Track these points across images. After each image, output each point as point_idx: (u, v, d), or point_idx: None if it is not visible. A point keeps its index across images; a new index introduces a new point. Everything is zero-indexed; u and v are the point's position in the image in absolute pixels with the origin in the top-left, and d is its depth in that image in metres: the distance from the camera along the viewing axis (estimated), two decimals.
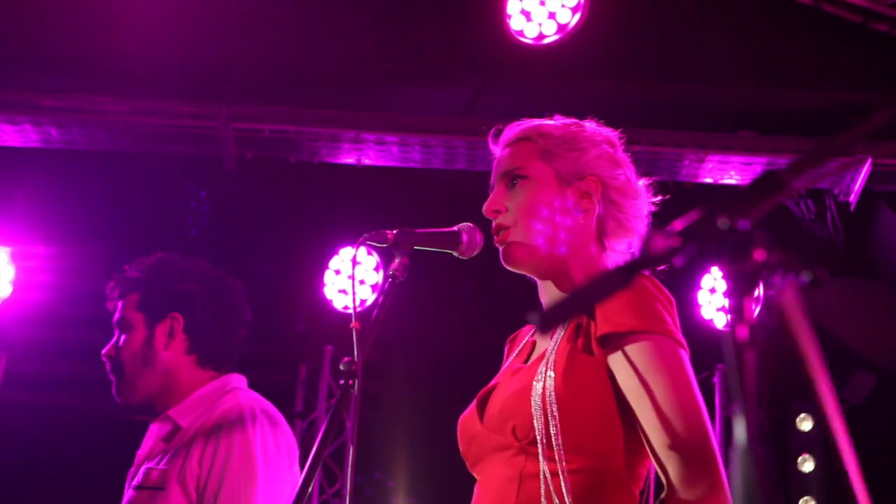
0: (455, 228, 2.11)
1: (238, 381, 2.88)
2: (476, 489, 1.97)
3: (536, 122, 2.12)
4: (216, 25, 5.27)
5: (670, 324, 1.84)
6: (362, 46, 5.42)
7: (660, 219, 2.08)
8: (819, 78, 5.47)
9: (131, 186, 5.98)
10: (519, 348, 2.13)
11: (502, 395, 1.93)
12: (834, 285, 5.73)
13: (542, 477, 1.81)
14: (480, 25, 5.20)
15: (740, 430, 1.03)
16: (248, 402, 2.72)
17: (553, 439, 1.80)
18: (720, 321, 6.25)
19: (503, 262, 2.06)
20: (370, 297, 6.08)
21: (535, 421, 1.81)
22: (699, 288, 6.35)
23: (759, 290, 1.07)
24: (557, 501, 1.79)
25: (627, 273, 1.16)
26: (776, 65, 5.51)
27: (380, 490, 6.90)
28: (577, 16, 5.11)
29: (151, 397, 2.79)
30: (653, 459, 1.80)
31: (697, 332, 5.96)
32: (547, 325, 1.19)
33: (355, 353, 1.90)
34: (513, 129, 2.13)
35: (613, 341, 1.83)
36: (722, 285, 6.27)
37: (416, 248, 2.07)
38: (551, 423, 1.80)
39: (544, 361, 1.88)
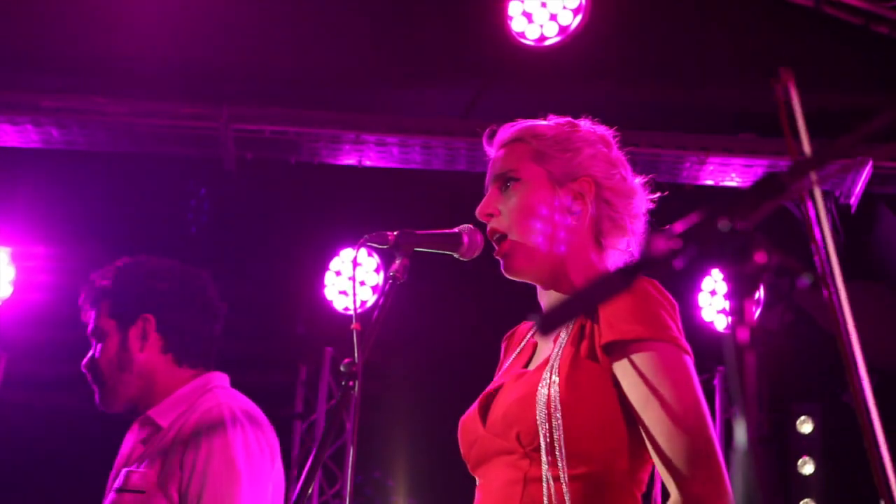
0: (456, 230, 2.11)
1: (220, 379, 2.85)
2: (478, 492, 1.97)
3: (530, 122, 2.12)
4: (217, 26, 5.27)
5: (674, 330, 1.84)
6: (363, 48, 5.43)
7: (661, 221, 2.08)
8: (820, 80, 5.47)
9: (131, 187, 5.98)
10: (519, 348, 2.12)
11: (506, 400, 1.93)
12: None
13: (545, 482, 1.81)
14: (481, 27, 5.21)
15: (741, 433, 1.03)
16: (227, 401, 2.70)
17: (557, 445, 1.80)
18: (721, 323, 6.25)
19: (504, 273, 2.05)
20: (371, 299, 6.08)
21: (539, 428, 1.81)
22: (700, 290, 6.35)
23: (760, 293, 1.08)
24: None
25: (627, 275, 1.16)
26: (777, 67, 5.51)
27: (379, 490, 6.90)
28: (579, 18, 5.11)
29: (133, 401, 2.78)
30: (658, 467, 1.81)
31: (698, 335, 5.96)
32: (548, 327, 1.19)
33: (356, 355, 1.90)
34: (507, 131, 2.13)
35: (618, 349, 1.83)
36: (723, 287, 6.27)
37: (416, 249, 2.07)
38: (556, 429, 1.80)
39: (548, 367, 1.88)
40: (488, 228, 2.07)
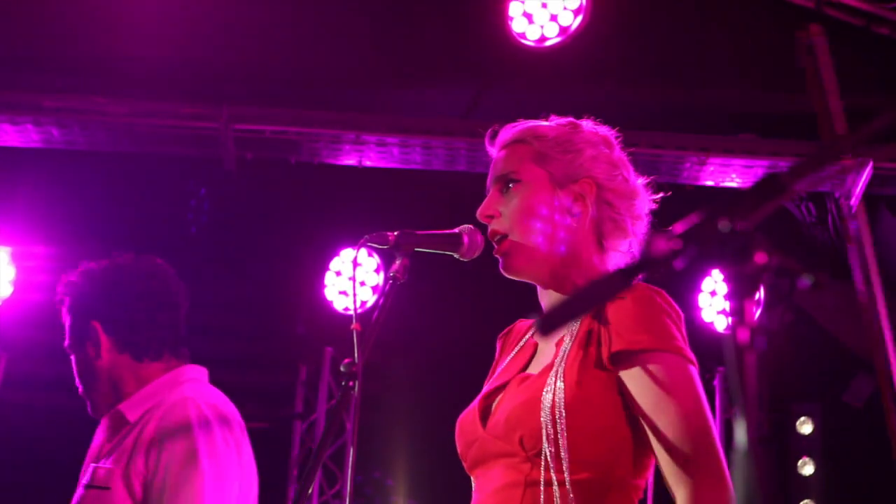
0: (456, 230, 2.10)
1: (193, 372, 2.83)
2: (475, 493, 1.97)
3: (532, 123, 2.11)
4: (217, 26, 5.27)
5: (680, 340, 1.86)
6: (363, 48, 5.43)
7: (661, 221, 2.08)
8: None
9: (132, 187, 5.98)
10: (518, 347, 2.12)
11: (510, 404, 1.93)
12: (834, 288, 5.73)
13: (547, 486, 1.82)
14: (482, 27, 5.21)
15: (741, 433, 1.03)
16: (195, 395, 2.67)
17: (561, 451, 1.81)
18: (721, 324, 6.25)
19: (503, 272, 2.05)
20: (371, 299, 6.08)
21: (543, 432, 1.82)
22: (700, 291, 6.36)
23: (760, 293, 1.08)
24: None
25: (627, 275, 1.16)
26: (778, 68, 5.51)
27: (379, 490, 6.90)
28: (579, 18, 5.11)
29: (111, 405, 2.78)
30: (664, 476, 1.83)
31: (698, 335, 5.96)
32: (548, 327, 1.19)
33: (356, 355, 1.90)
34: (508, 131, 2.12)
35: (626, 358, 1.84)
36: (723, 288, 6.28)
37: (416, 249, 2.07)
38: (560, 435, 1.81)
39: (553, 372, 1.88)
40: (489, 230, 2.06)
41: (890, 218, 5.74)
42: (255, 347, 6.81)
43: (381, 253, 5.96)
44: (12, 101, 5.29)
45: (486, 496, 1.91)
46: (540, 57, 5.20)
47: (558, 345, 1.94)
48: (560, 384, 1.85)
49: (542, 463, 1.82)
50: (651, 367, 1.82)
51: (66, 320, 2.85)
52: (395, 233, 2.05)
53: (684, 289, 6.23)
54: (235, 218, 6.25)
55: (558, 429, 1.81)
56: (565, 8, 5.14)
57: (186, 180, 6.07)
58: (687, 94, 5.56)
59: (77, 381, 2.83)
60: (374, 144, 5.49)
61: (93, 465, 2.67)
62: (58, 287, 2.88)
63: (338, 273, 6.25)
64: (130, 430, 2.65)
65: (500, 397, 2.00)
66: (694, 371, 1.86)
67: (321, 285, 6.24)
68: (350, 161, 5.62)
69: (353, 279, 2.06)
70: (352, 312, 1.96)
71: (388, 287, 2.01)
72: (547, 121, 2.13)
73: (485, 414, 1.98)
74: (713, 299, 6.34)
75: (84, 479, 2.67)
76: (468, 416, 2.02)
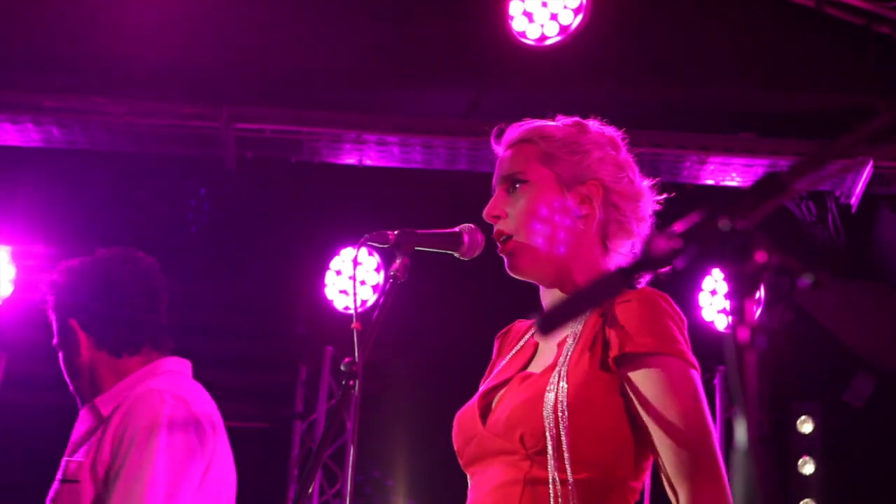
0: (456, 229, 2.10)
1: (172, 364, 2.81)
2: (471, 491, 1.97)
3: (539, 123, 2.10)
4: (217, 26, 5.28)
5: (682, 344, 1.87)
6: (364, 47, 5.43)
7: (661, 220, 2.08)
8: (820, 80, 5.47)
9: (132, 187, 5.98)
10: (518, 346, 2.12)
11: (511, 402, 1.93)
12: (835, 288, 5.73)
13: (547, 484, 1.82)
14: (482, 27, 5.21)
15: (741, 432, 1.03)
16: (160, 387, 2.65)
17: (562, 450, 1.81)
18: (721, 323, 6.25)
19: (509, 271, 2.05)
20: (371, 298, 6.08)
21: (546, 431, 1.82)
22: (700, 290, 6.36)
23: (760, 292, 1.08)
24: None
25: (628, 275, 1.16)
26: (778, 67, 5.51)
27: (379, 489, 6.90)
28: (579, 17, 5.11)
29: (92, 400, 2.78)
30: (664, 479, 1.84)
31: (698, 334, 5.94)
32: (548, 327, 1.19)
33: (356, 354, 1.90)
34: (515, 130, 2.11)
35: (629, 361, 1.85)
36: (723, 287, 6.28)
37: (417, 248, 2.07)
38: (562, 434, 1.81)
39: (556, 371, 1.88)
40: (495, 230, 2.06)
41: (891, 218, 5.75)
42: (255, 347, 6.81)
43: (381, 252, 5.96)
44: (12, 100, 5.30)
45: (484, 494, 1.91)
46: (540, 56, 5.20)
47: (560, 345, 1.95)
48: (563, 384, 1.85)
49: (543, 461, 1.83)
50: (653, 369, 1.83)
51: (51, 318, 2.85)
52: (396, 232, 2.05)
53: (685, 288, 6.23)
54: (235, 217, 6.25)
55: (560, 428, 1.82)
56: (565, 7, 5.15)
57: (187, 180, 6.07)
58: (687, 92, 5.56)
59: (66, 377, 2.84)
60: (375, 144, 5.49)
61: (66, 459, 2.67)
62: (42, 286, 2.88)
63: (338, 272, 6.25)
64: (102, 424, 2.66)
65: (500, 395, 2.00)
66: (695, 375, 1.87)
67: (321, 284, 6.24)
68: (350, 160, 5.63)
69: (353, 278, 2.06)
70: (352, 311, 1.95)
71: (388, 286, 2.01)
72: (553, 120, 2.12)
73: (484, 411, 1.98)
74: (713, 298, 6.34)
75: (59, 473, 2.67)
76: (467, 413, 2.01)
